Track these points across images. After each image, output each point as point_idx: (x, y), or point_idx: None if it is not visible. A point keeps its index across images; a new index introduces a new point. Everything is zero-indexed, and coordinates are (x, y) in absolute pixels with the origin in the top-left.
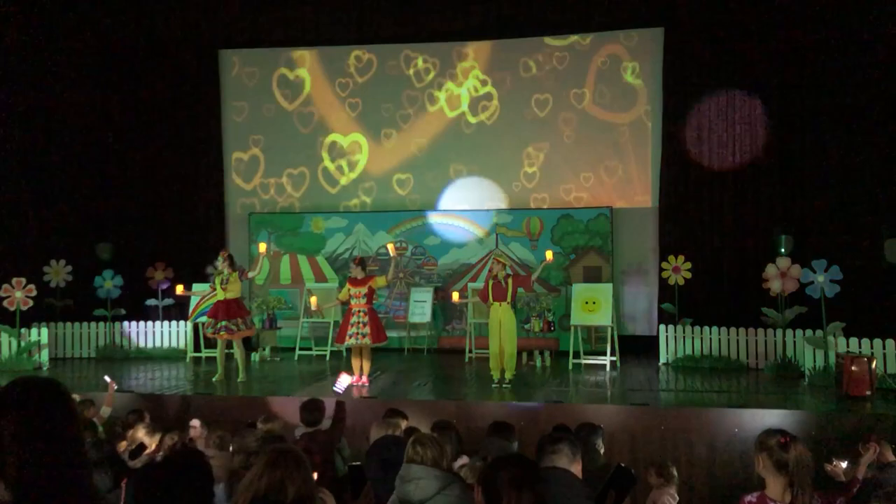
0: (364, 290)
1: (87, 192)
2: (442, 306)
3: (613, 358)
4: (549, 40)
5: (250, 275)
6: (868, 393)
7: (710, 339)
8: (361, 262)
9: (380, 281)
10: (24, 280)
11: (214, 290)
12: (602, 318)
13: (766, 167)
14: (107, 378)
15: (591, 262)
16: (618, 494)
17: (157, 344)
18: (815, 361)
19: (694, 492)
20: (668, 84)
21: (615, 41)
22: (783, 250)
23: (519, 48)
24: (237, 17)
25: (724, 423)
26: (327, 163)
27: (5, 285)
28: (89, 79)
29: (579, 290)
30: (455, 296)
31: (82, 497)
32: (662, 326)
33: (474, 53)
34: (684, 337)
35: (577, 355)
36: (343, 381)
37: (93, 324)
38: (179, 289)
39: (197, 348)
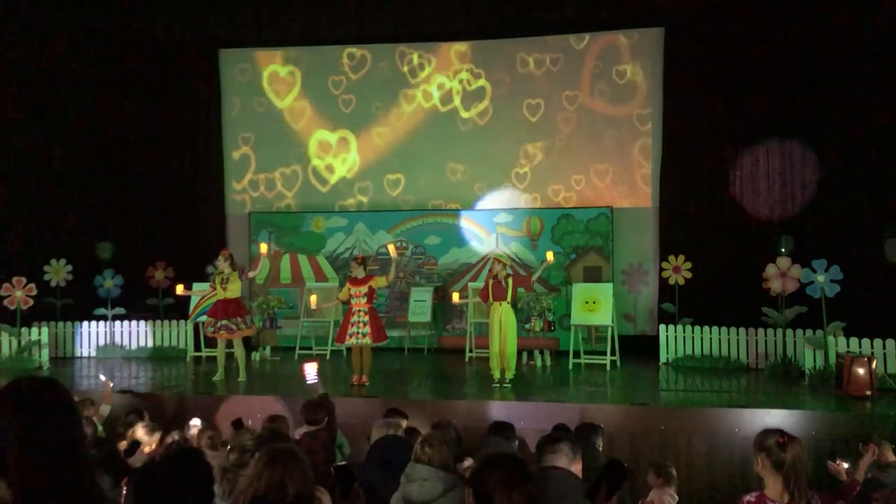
0: (364, 289)
1: (87, 192)
2: (442, 306)
3: (613, 357)
4: (549, 40)
5: (250, 275)
6: (868, 393)
7: (711, 338)
8: (363, 262)
9: (380, 281)
10: (24, 279)
11: (214, 289)
12: (602, 317)
13: (767, 166)
14: (102, 377)
15: (591, 261)
16: (609, 487)
17: (158, 343)
18: (815, 361)
19: (694, 491)
20: (668, 83)
21: (615, 41)
22: (783, 250)
23: (519, 48)
24: (237, 17)
25: (724, 423)
26: (322, 161)
27: (6, 284)
28: (90, 78)
29: (579, 290)
30: (455, 296)
31: (84, 496)
32: (662, 326)
33: (472, 52)
34: (684, 337)
35: (577, 355)
36: (310, 371)
37: (93, 323)
38: (179, 289)
39: (197, 348)
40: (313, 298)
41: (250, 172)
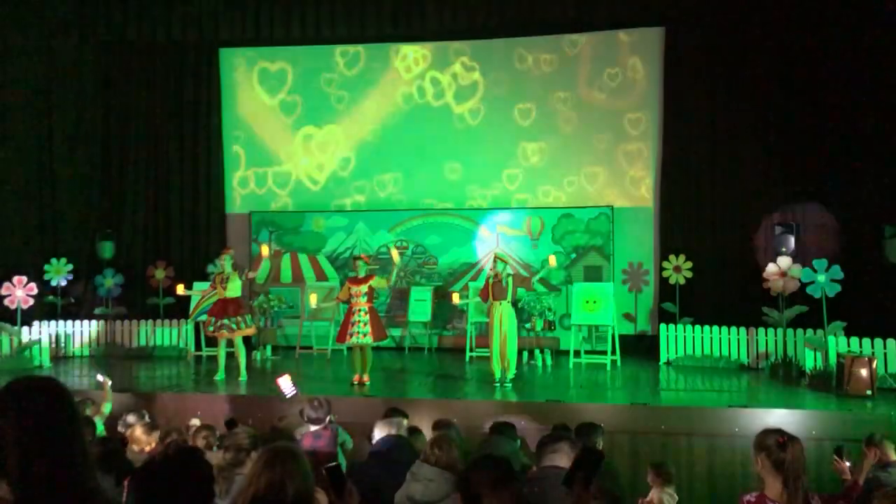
0: (365, 288)
1: (88, 191)
2: (442, 305)
3: (614, 357)
4: (549, 39)
5: (251, 275)
6: (869, 392)
7: (711, 338)
8: (359, 261)
9: (381, 282)
10: (25, 278)
11: (215, 288)
12: (602, 317)
13: (768, 165)
14: (99, 377)
15: (591, 261)
16: (586, 475)
17: (158, 342)
18: (815, 361)
19: (694, 491)
20: (668, 83)
21: (615, 40)
22: (784, 249)
23: (519, 47)
24: (236, 16)
25: (725, 423)
26: (320, 160)
27: (6, 283)
28: (91, 77)
29: (580, 289)
30: (455, 297)
31: (85, 495)
32: (663, 326)
33: (471, 51)
34: (685, 336)
35: (577, 354)
36: (286, 385)
37: (94, 322)
38: (180, 288)
39: (198, 347)
40: (313, 297)
41: (250, 172)
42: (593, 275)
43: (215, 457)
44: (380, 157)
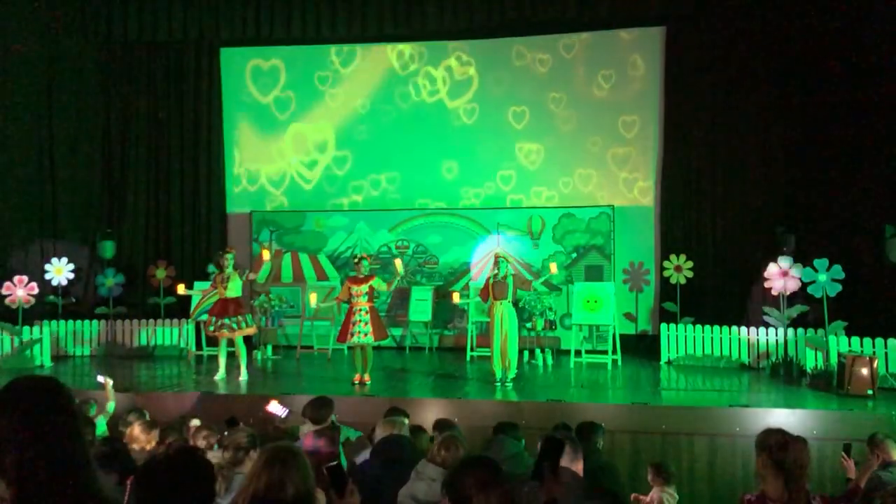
0: (366, 288)
1: (88, 190)
2: (443, 305)
3: (615, 356)
4: (550, 38)
5: (251, 277)
6: (870, 392)
7: (712, 337)
8: (362, 261)
9: (381, 285)
10: (26, 278)
11: (215, 287)
12: (603, 316)
13: (768, 165)
14: (100, 378)
15: (592, 260)
16: (552, 463)
17: (159, 342)
18: (816, 361)
19: (695, 491)
20: (668, 82)
21: (616, 39)
22: (785, 249)
23: (519, 46)
24: (236, 16)
25: (725, 423)
26: (318, 159)
27: (7, 283)
28: (91, 77)
29: (581, 289)
30: (455, 297)
31: (83, 496)
32: (664, 325)
33: (469, 51)
34: (686, 336)
35: (578, 354)
36: (276, 409)
37: (94, 322)
38: (181, 288)
39: (198, 346)
40: (313, 297)
41: (251, 171)
42: (594, 274)
43: (215, 456)
44: (377, 156)
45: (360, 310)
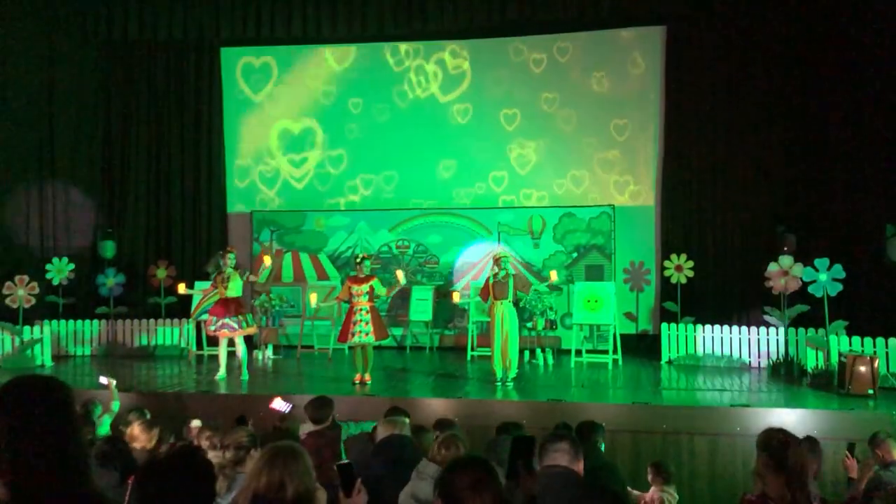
0: (366, 287)
1: (89, 190)
2: (443, 304)
3: (615, 356)
4: (550, 38)
5: (251, 279)
6: (870, 392)
7: (713, 337)
8: (364, 261)
9: (381, 288)
10: (26, 278)
11: (216, 287)
12: (604, 316)
13: (769, 165)
14: (102, 379)
15: (593, 260)
16: (525, 461)
17: (160, 342)
18: (817, 360)
19: (695, 490)
20: (669, 81)
21: (617, 39)
22: (786, 248)
23: (519, 45)
24: (237, 15)
25: (726, 422)
26: (316, 158)
27: (8, 283)
28: (91, 77)
29: (581, 289)
30: (455, 296)
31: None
32: (664, 325)
33: (469, 50)
34: (686, 335)
35: (578, 353)
36: (279, 405)
37: (95, 321)
38: (181, 288)
39: (199, 346)
40: (313, 297)
41: (251, 171)
42: (595, 274)
43: (217, 456)
44: (375, 155)
45: (361, 309)
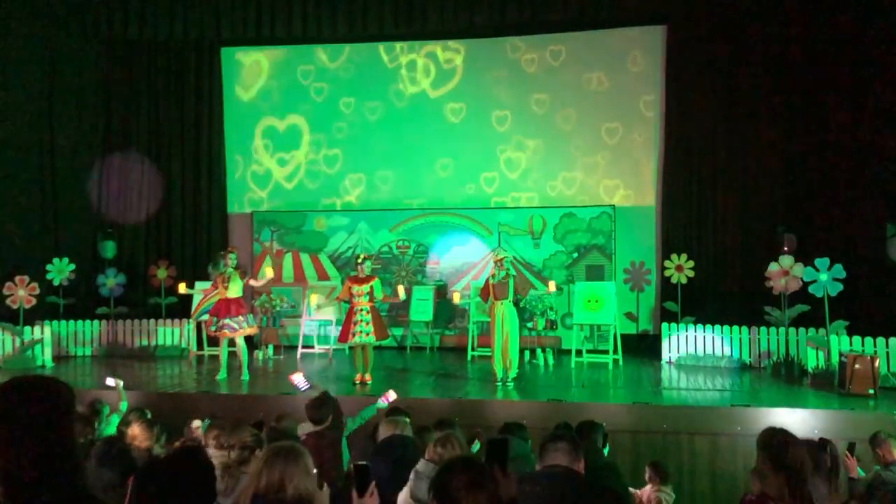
0: (367, 288)
1: (89, 190)
2: (444, 305)
3: (616, 356)
4: (550, 37)
5: (251, 282)
6: (871, 391)
7: (713, 337)
8: (365, 261)
9: (379, 291)
10: (27, 278)
11: (216, 287)
12: (604, 316)
13: (769, 164)
14: (109, 381)
15: (593, 260)
16: (500, 462)
17: (160, 342)
18: (817, 360)
19: (696, 490)
20: (670, 81)
21: (617, 38)
22: (786, 248)
23: (519, 45)
24: (237, 15)
25: (727, 422)
26: (315, 158)
27: (8, 283)
28: (91, 76)
29: (582, 289)
30: (456, 297)
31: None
32: (665, 325)
33: (469, 49)
34: (686, 335)
35: (579, 353)
36: (299, 381)
37: (95, 322)
38: (182, 287)
39: (199, 346)
40: (314, 297)
41: (251, 171)
42: (595, 274)
43: (223, 456)
44: (374, 154)
45: (362, 310)
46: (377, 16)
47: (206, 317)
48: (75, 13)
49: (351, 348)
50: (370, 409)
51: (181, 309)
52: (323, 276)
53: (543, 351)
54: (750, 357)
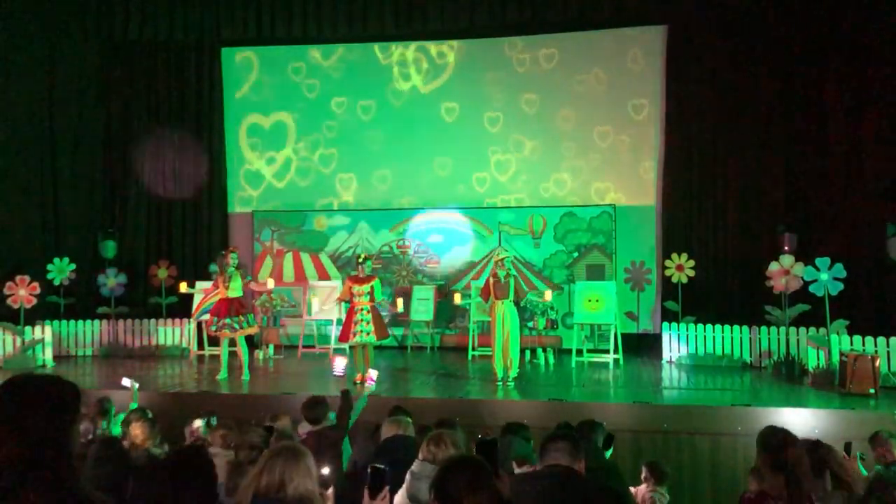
0: (367, 287)
1: (90, 190)
2: (444, 304)
3: (616, 356)
4: (550, 37)
5: (252, 286)
6: (872, 391)
7: (714, 336)
8: (366, 261)
9: (379, 292)
10: (27, 278)
11: (217, 287)
12: (605, 315)
13: (770, 164)
14: (125, 382)
15: (593, 259)
16: (492, 464)
17: (161, 342)
18: (818, 359)
19: (696, 490)
20: (670, 81)
21: (618, 38)
22: (787, 248)
23: (519, 45)
24: (237, 15)
25: (727, 422)
26: (314, 157)
27: (9, 283)
28: (92, 76)
29: (582, 288)
30: (457, 297)
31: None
32: (665, 324)
33: (468, 49)
34: (687, 335)
35: (579, 353)
36: (339, 366)
37: (96, 322)
38: (183, 286)
39: (200, 346)
40: (315, 298)
41: (252, 171)
42: (596, 273)
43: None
44: (373, 154)
45: (362, 309)
46: (378, 16)
47: (206, 316)
48: (75, 13)
49: (352, 348)
50: (362, 401)
51: (182, 309)
52: (323, 275)
53: (544, 350)
54: (750, 356)
